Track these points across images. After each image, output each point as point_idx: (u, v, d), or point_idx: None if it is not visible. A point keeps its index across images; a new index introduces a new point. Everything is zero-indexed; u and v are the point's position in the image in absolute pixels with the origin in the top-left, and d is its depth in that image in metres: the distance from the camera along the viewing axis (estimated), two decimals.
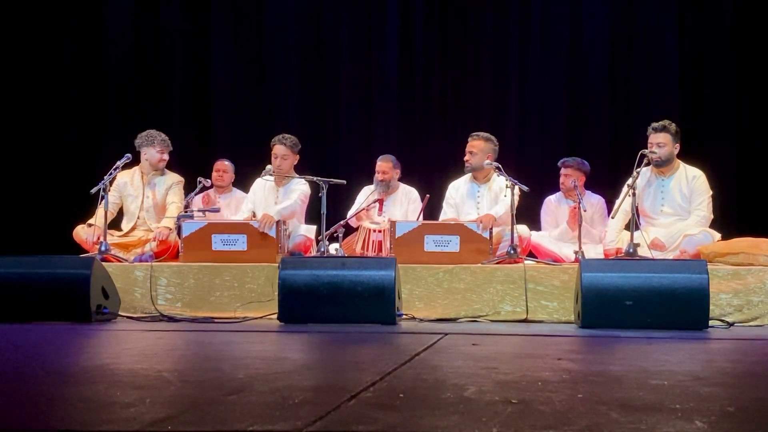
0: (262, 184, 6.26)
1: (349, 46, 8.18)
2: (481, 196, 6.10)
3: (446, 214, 6.17)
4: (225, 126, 8.28)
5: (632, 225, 5.26)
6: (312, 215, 6.26)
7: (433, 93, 8.12)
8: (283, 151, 6.11)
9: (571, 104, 7.90)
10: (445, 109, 8.08)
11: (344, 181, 6.01)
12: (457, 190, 6.22)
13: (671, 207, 5.64)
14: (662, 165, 5.62)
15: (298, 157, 6.22)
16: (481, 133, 6.03)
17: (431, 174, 7.44)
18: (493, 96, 8.01)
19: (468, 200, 6.13)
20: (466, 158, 6.03)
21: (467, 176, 6.18)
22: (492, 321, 5.01)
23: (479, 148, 5.99)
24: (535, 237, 6.05)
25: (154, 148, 6.20)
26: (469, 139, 6.05)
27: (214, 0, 8.31)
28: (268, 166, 6.02)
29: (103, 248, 5.60)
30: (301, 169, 6.27)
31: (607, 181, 6.78)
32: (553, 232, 6.21)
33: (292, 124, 8.13)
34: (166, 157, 6.27)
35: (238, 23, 8.30)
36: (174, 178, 6.32)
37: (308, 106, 8.25)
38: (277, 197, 6.18)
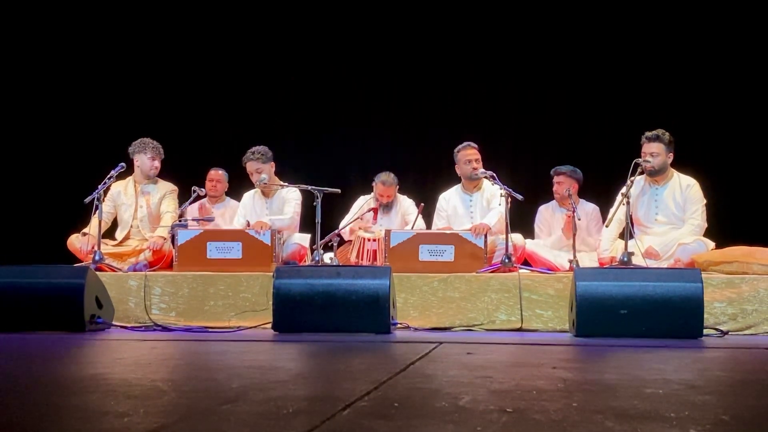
0: (251, 196, 6.26)
1: (346, 53, 8.20)
2: (474, 205, 6.10)
3: (437, 226, 6.16)
4: (220, 134, 8.29)
5: (626, 234, 5.27)
6: (306, 224, 6.25)
7: (428, 99, 8.14)
8: (256, 166, 6.10)
9: (567, 112, 7.92)
10: (440, 116, 8.09)
11: (338, 190, 5.97)
12: (448, 201, 6.21)
13: (665, 216, 5.65)
14: (656, 174, 5.63)
15: (273, 164, 6.20)
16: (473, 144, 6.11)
17: (425, 181, 7.45)
18: (488, 103, 8.03)
19: (461, 211, 6.13)
20: (473, 167, 6.03)
21: (458, 187, 6.20)
22: (487, 330, 5.00)
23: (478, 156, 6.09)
24: (530, 246, 6.05)
25: (145, 155, 6.19)
26: (470, 149, 6.07)
27: (212, 7, 8.33)
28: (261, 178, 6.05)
29: (97, 257, 5.59)
30: (295, 178, 6.26)
31: (601, 189, 6.79)
32: (547, 240, 6.22)
33: (288, 132, 8.16)
34: (157, 164, 6.25)
35: (236, 32, 8.32)
36: (168, 187, 6.31)
37: (304, 114, 8.26)
38: (267, 208, 6.17)
